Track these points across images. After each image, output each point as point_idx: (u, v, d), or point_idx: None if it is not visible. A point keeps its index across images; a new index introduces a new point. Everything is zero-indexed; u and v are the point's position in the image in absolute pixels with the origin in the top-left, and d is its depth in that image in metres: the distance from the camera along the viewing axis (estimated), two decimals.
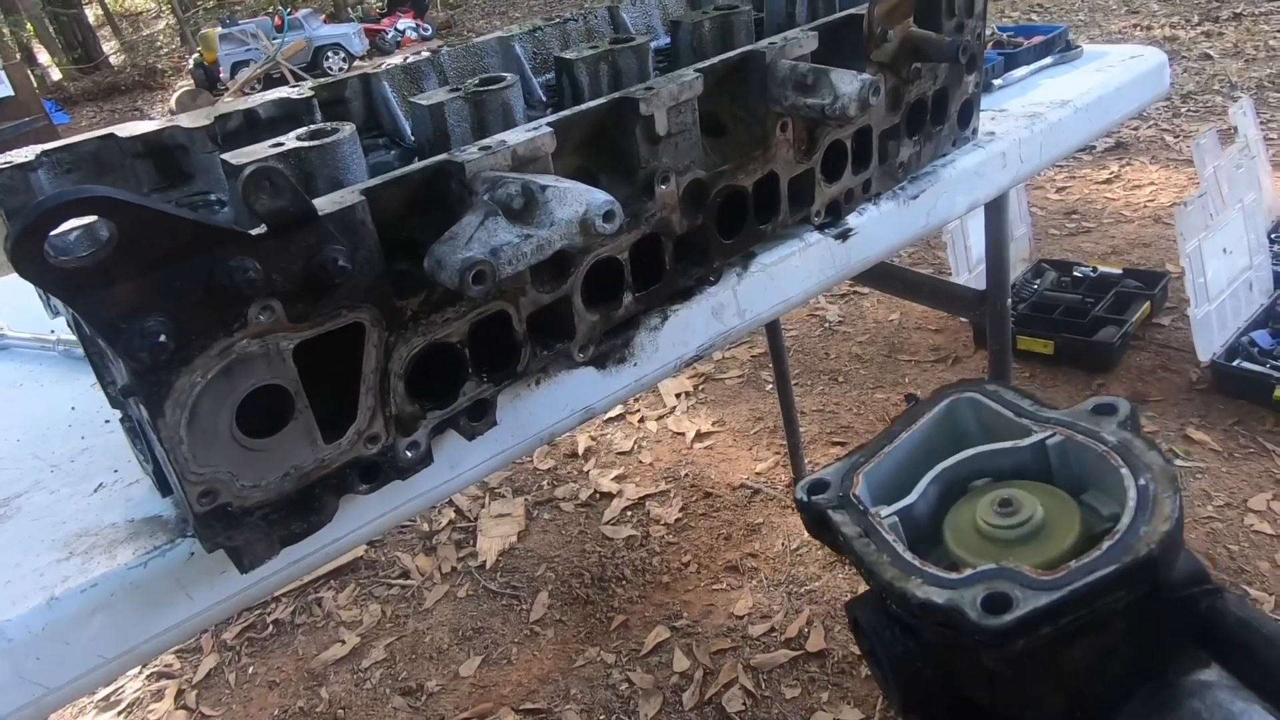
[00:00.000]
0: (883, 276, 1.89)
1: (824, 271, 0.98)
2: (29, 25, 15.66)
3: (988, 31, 1.47)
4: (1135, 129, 4.47)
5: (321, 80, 0.88)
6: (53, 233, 0.45)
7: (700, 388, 3.01)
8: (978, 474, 0.66)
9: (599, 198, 0.58)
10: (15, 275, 0.45)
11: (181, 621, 0.64)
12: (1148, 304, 2.77)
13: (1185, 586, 0.57)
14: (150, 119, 0.79)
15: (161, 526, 0.66)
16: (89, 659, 0.61)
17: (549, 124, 0.68)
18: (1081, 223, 3.63)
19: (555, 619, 2.15)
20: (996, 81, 1.42)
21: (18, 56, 11.65)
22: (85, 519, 0.69)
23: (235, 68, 11.39)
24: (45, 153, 0.72)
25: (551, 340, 0.75)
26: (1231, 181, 2.59)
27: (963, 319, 2.97)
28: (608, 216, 0.58)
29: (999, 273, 1.60)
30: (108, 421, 0.83)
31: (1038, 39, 1.52)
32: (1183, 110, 4.64)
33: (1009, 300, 1.62)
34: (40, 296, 0.76)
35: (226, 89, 11.07)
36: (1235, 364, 2.41)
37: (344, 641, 2.18)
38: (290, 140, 0.66)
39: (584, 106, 0.73)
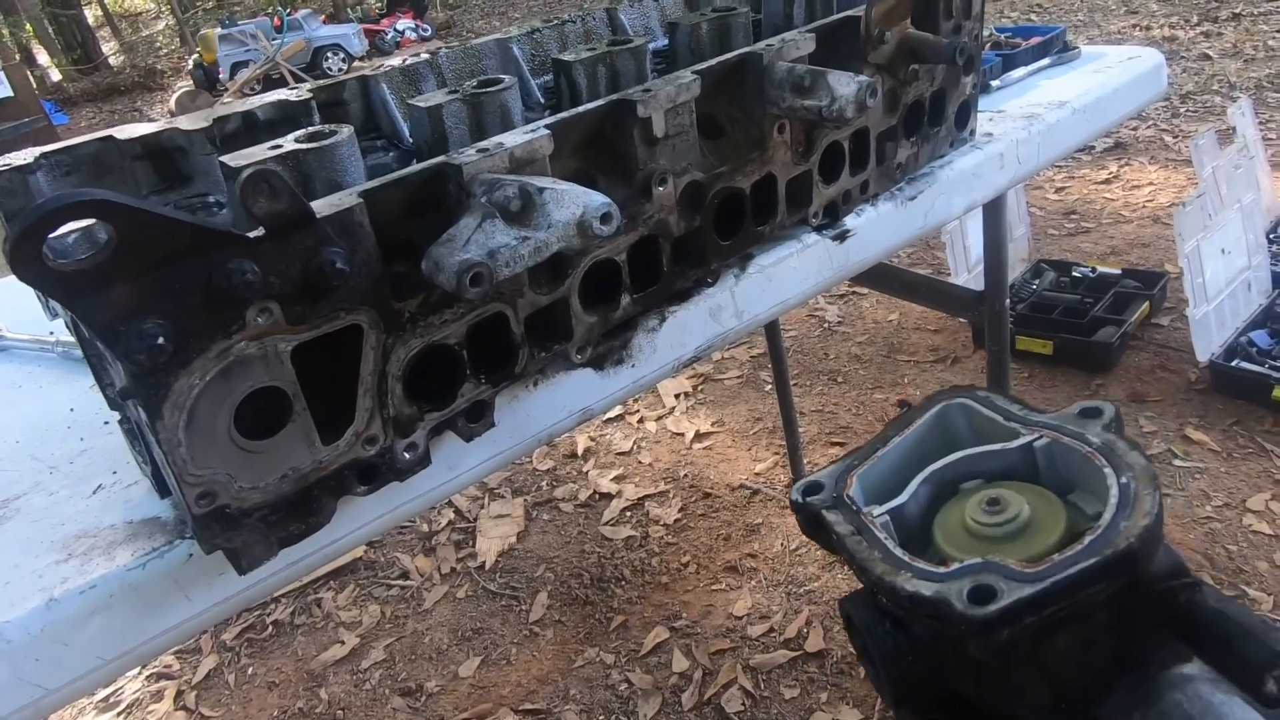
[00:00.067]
0: (881, 277, 1.89)
1: (822, 273, 0.98)
2: (28, 26, 15.66)
3: (985, 33, 1.48)
4: (1134, 129, 4.47)
5: (320, 82, 0.88)
6: (51, 235, 0.45)
7: (699, 388, 3.01)
8: (968, 475, 0.68)
9: (596, 200, 0.58)
10: (14, 277, 0.45)
11: (180, 623, 0.64)
12: (1146, 304, 2.77)
13: (1164, 580, 0.59)
14: (150, 120, 0.79)
15: (160, 528, 0.67)
16: (88, 660, 0.61)
17: (546, 126, 0.68)
18: (1080, 223, 3.64)
19: (554, 619, 2.15)
20: (994, 83, 1.42)
21: (17, 57, 11.65)
22: (84, 520, 0.69)
23: (235, 68, 11.39)
24: (44, 155, 0.72)
25: (549, 342, 0.75)
26: (1230, 182, 2.59)
27: (962, 319, 2.97)
28: (605, 218, 0.58)
29: (997, 273, 1.60)
30: (106, 423, 0.84)
31: (1035, 40, 1.52)
32: (1182, 110, 4.64)
33: (1007, 300, 1.62)
34: (39, 298, 0.76)
35: (226, 90, 11.08)
36: (1234, 364, 2.41)
37: (343, 642, 2.18)
38: (288, 142, 0.66)
39: (582, 109, 0.73)
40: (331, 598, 2.34)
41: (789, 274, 0.94)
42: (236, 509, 0.58)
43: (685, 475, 2.58)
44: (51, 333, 1.03)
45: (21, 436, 0.85)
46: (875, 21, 0.92)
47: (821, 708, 1.80)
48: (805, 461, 2.45)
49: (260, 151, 0.65)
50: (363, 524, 0.70)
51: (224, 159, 0.64)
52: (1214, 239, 2.47)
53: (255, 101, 0.81)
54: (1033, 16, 7.33)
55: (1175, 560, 0.60)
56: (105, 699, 2.16)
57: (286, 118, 0.81)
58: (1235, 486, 2.15)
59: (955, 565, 0.56)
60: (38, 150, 0.72)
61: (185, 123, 0.77)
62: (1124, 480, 0.58)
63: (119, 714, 2.12)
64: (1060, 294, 2.94)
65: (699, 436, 2.75)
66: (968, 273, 2.89)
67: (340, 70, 11.62)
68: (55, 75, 15.50)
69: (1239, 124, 2.80)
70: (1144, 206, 3.68)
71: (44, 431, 0.85)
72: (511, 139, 0.66)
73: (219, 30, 11.66)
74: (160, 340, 0.50)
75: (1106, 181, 3.98)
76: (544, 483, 2.67)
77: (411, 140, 0.84)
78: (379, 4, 15.27)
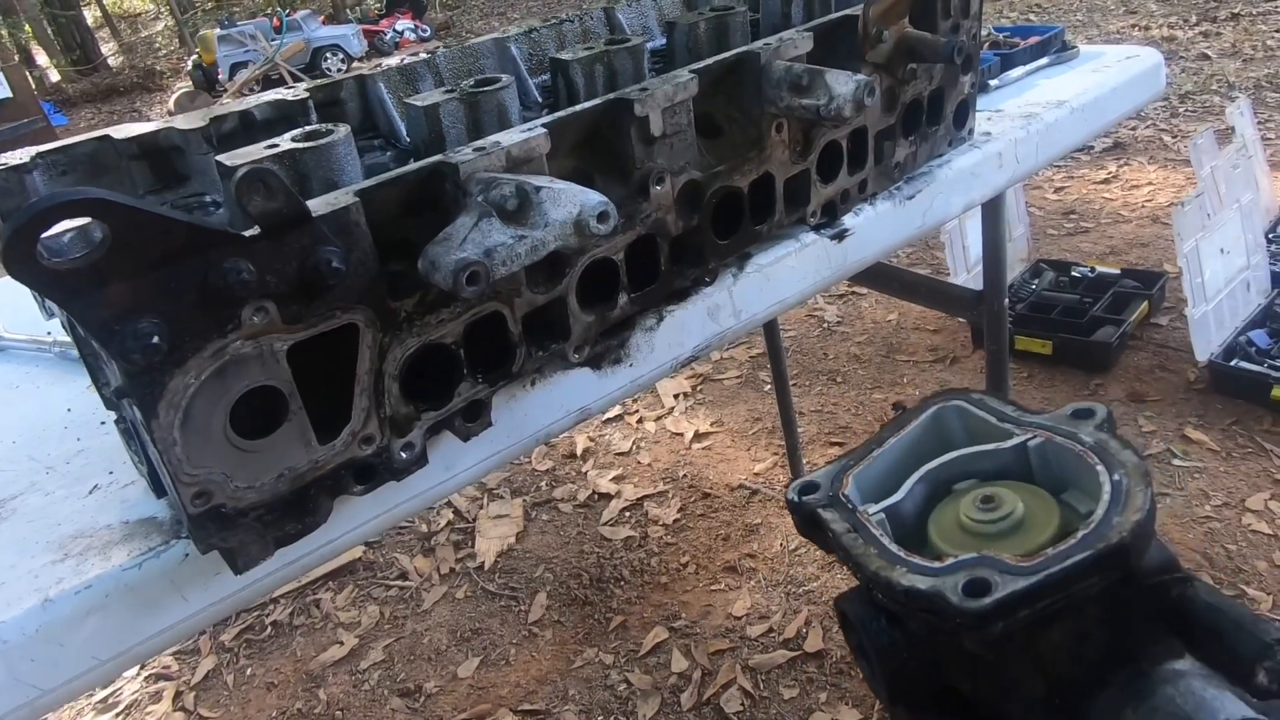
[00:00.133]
0: (880, 277, 1.89)
1: (820, 272, 0.98)
2: (27, 27, 15.67)
3: (984, 32, 1.48)
4: (1133, 129, 4.47)
5: (317, 81, 0.88)
6: (46, 234, 0.45)
7: (699, 388, 3.01)
8: (962, 475, 0.68)
9: (593, 199, 0.58)
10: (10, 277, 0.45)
11: (176, 623, 0.64)
12: (1146, 304, 2.77)
13: (1156, 574, 0.59)
14: (149, 120, 0.79)
15: (156, 528, 0.66)
16: (83, 660, 0.61)
17: (544, 125, 0.68)
18: (1079, 223, 3.64)
19: (554, 620, 2.15)
20: (993, 82, 1.42)
21: (16, 58, 11.66)
22: (80, 521, 0.69)
23: (234, 69, 11.39)
24: (40, 154, 0.72)
25: (547, 341, 0.75)
26: (1229, 181, 2.59)
27: (961, 319, 2.97)
28: (602, 217, 0.58)
29: (996, 273, 1.60)
30: (103, 423, 0.83)
31: (1034, 39, 1.52)
32: (1180, 110, 4.64)
33: (1006, 300, 1.62)
34: (35, 298, 0.76)
35: (225, 90, 11.08)
36: (1233, 364, 2.41)
37: (342, 643, 2.18)
38: (285, 141, 0.66)
39: (579, 107, 0.73)
40: (330, 598, 2.34)
41: (787, 273, 0.94)
42: (232, 509, 0.57)
43: (684, 475, 2.58)
44: (49, 333, 1.03)
45: (18, 437, 0.85)
46: (873, 20, 0.92)
47: (820, 708, 1.80)
48: (804, 461, 2.45)
49: (257, 150, 0.64)
50: (360, 524, 0.70)
51: (220, 158, 0.64)
52: (1213, 239, 2.47)
53: (252, 101, 0.81)
54: (1031, 16, 7.34)
55: (1167, 555, 0.60)
56: (104, 700, 2.16)
57: (283, 117, 0.81)
58: (1234, 486, 2.15)
59: (950, 560, 0.56)
60: (34, 149, 0.72)
61: (182, 122, 0.77)
62: (1116, 477, 0.58)
63: (118, 715, 2.11)
64: (1059, 294, 2.94)
65: (698, 436, 2.75)
66: (967, 272, 2.89)
67: (339, 71, 11.62)
68: (54, 76, 15.50)
69: (1238, 124, 2.80)
70: (1143, 206, 3.68)
71: (41, 432, 0.85)
72: (508, 138, 0.65)
73: (218, 31, 11.66)
74: (155, 339, 0.50)
75: (1105, 181, 3.98)
76: (543, 483, 2.67)
77: (409, 139, 0.84)
78: (378, 5, 15.26)
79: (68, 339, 0.99)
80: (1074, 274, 3.00)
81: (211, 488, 0.56)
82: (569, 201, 0.58)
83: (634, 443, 2.78)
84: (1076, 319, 2.71)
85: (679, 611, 2.10)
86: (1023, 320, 2.78)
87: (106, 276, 0.47)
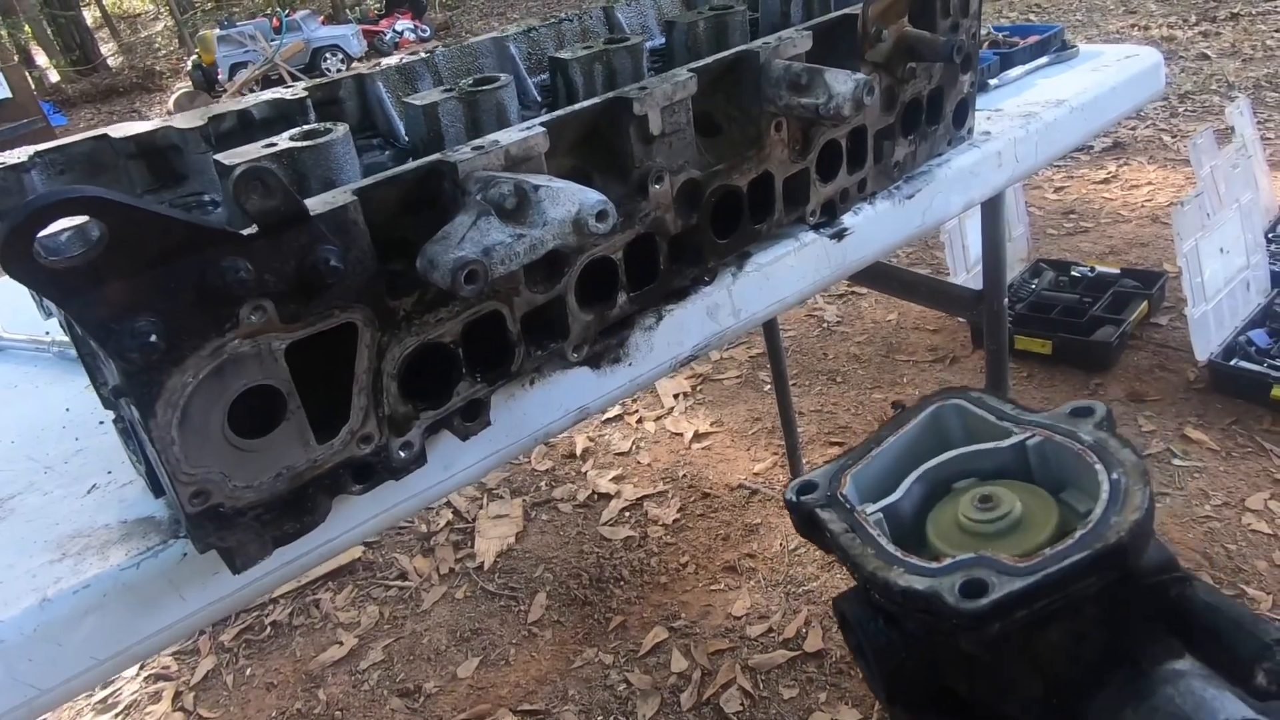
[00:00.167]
0: (880, 276, 1.89)
1: (820, 271, 0.98)
2: (27, 27, 15.66)
3: (983, 31, 1.48)
4: (1133, 129, 4.47)
5: (316, 80, 0.88)
6: (44, 233, 0.45)
7: (698, 388, 3.01)
8: (961, 474, 0.68)
9: (592, 197, 0.58)
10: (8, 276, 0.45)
11: (174, 622, 0.64)
12: (1145, 304, 2.77)
13: (1155, 574, 0.59)
14: (147, 120, 0.79)
15: (154, 527, 0.66)
16: (81, 660, 0.61)
17: (542, 124, 0.68)
18: (1079, 222, 3.64)
19: (553, 620, 2.15)
20: (992, 81, 1.42)
21: (15, 58, 11.65)
22: (78, 520, 0.69)
23: (233, 69, 11.38)
24: (38, 153, 0.72)
25: (546, 340, 0.75)
26: (1228, 181, 2.59)
27: (960, 319, 2.97)
28: (601, 216, 0.58)
29: (995, 272, 1.60)
30: (101, 423, 0.83)
31: (1033, 39, 1.52)
32: (1180, 110, 4.64)
33: (1006, 300, 1.62)
34: (33, 298, 0.76)
35: (225, 91, 11.07)
36: (1233, 363, 2.41)
37: (342, 643, 2.18)
38: (283, 140, 0.66)
39: (578, 106, 0.73)
40: (330, 598, 2.34)
41: (786, 272, 0.94)
42: (230, 508, 0.57)
43: (684, 475, 2.58)
44: (47, 333, 1.03)
45: (17, 436, 0.85)
46: (872, 19, 0.92)
47: (820, 708, 1.80)
48: (804, 461, 2.45)
49: (255, 149, 0.64)
50: (358, 523, 0.70)
51: (218, 157, 0.64)
52: (1212, 238, 2.47)
53: (250, 100, 0.81)
54: (1031, 16, 7.34)
55: (1166, 555, 0.60)
56: (103, 700, 2.16)
57: (282, 116, 0.81)
58: (1234, 486, 2.15)
59: (948, 560, 0.56)
60: (32, 149, 0.72)
61: (180, 121, 0.77)
62: (1115, 476, 0.58)
63: (117, 715, 2.11)
64: (1059, 293, 2.94)
65: (698, 437, 2.74)
66: (966, 272, 2.89)
67: (339, 71, 11.61)
68: (54, 76, 15.50)
69: (1237, 123, 2.80)
70: (1142, 206, 3.68)
71: (39, 431, 0.85)
72: (507, 136, 0.65)
73: (218, 31, 11.66)
74: (153, 338, 0.50)
75: (1105, 181, 3.98)
76: (542, 483, 2.66)
77: (407, 138, 0.84)
78: (377, 5, 15.26)
79: (66, 338, 0.98)
80: (1074, 274, 3.00)
81: (209, 487, 0.56)
82: (568, 200, 0.58)
83: (634, 443, 2.78)
84: (1076, 319, 2.71)
85: (679, 611, 2.10)
86: (1022, 320, 2.78)
87: (104, 275, 0.47)
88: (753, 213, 0.89)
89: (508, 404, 0.75)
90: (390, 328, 0.62)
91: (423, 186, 0.63)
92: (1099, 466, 0.59)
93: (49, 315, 0.81)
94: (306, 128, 0.68)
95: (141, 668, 2.22)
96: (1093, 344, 2.63)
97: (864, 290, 3.34)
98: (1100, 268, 3.00)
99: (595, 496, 2.56)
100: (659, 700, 1.88)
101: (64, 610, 0.60)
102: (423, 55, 0.93)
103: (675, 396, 2.97)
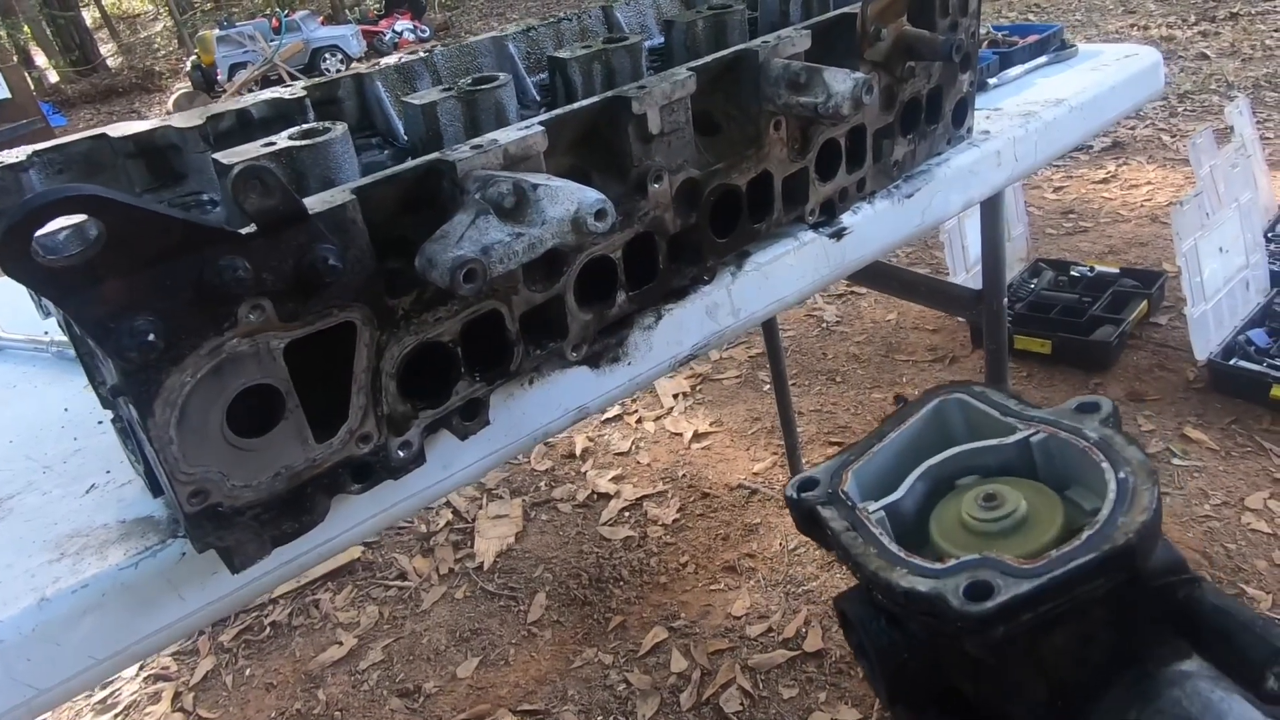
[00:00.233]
0: (879, 276, 1.89)
1: (819, 271, 0.98)
2: (26, 27, 15.65)
3: (982, 30, 1.47)
4: (1132, 128, 4.47)
5: (315, 80, 0.88)
6: (42, 232, 0.44)
7: (698, 388, 3.01)
8: (964, 471, 0.67)
9: (591, 196, 0.58)
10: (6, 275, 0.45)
11: (173, 622, 0.64)
12: (1145, 303, 2.77)
13: (1163, 575, 0.58)
14: (147, 120, 0.79)
15: (153, 527, 0.66)
16: (80, 660, 0.61)
17: (541, 123, 0.68)
18: (1079, 222, 3.64)
19: (553, 620, 2.15)
20: (991, 80, 1.42)
21: (15, 59, 11.65)
22: (77, 520, 0.69)
23: (233, 70, 11.38)
24: (37, 153, 0.72)
25: (545, 339, 0.75)
26: (1228, 181, 2.59)
27: (960, 319, 2.97)
28: (599, 215, 0.58)
29: (995, 272, 1.60)
30: (100, 423, 0.83)
31: (1033, 38, 1.52)
32: (1179, 110, 4.64)
33: (1005, 300, 1.62)
34: (32, 297, 0.76)
35: (224, 91, 11.07)
36: (1232, 363, 2.41)
37: (341, 643, 2.17)
38: (282, 140, 0.66)
39: (576, 105, 0.73)
40: (329, 598, 2.34)
41: (786, 272, 0.94)
42: (229, 507, 0.57)
43: (684, 475, 2.58)
44: (46, 332, 1.02)
45: (15, 436, 0.84)
46: (871, 18, 0.92)
47: (820, 707, 1.80)
48: (804, 461, 2.45)
49: (253, 148, 0.64)
50: (357, 523, 0.70)
51: (217, 156, 0.64)
52: (1212, 238, 2.47)
53: (249, 99, 0.81)
54: (1031, 16, 7.34)
55: (1174, 556, 0.59)
56: (103, 700, 2.15)
57: (281, 116, 0.81)
58: (1233, 485, 2.15)
59: (951, 561, 0.55)
60: (30, 148, 0.72)
61: (179, 120, 0.77)
62: (1122, 475, 0.57)
63: (116, 715, 2.11)
64: (1058, 293, 2.94)
65: (697, 436, 2.74)
66: (966, 272, 2.89)
67: (338, 71, 11.59)
68: (53, 77, 15.49)
69: (1236, 123, 2.80)
70: (1142, 205, 3.68)
71: (38, 431, 0.85)
72: (506, 135, 0.65)
73: (217, 32, 11.66)
74: (151, 337, 0.50)
75: (1104, 181, 3.98)
76: (542, 483, 2.66)
77: (406, 138, 0.84)
78: (377, 5, 15.26)
79: (64, 338, 0.98)
80: (1073, 273, 2.99)
81: (208, 486, 0.56)
82: (566, 199, 0.58)
83: (633, 442, 2.78)
84: (1075, 318, 2.71)
85: (678, 611, 2.10)
86: (1022, 319, 2.78)
87: (102, 274, 0.47)
88: (752, 212, 0.89)
89: (507, 403, 0.75)
90: (389, 327, 0.62)
91: (421, 185, 0.63)
92: (1105, 464, 0.59)
93: (47, 315, 0.81)
94: (305, 127, 0.68)
95: (141, 668, 2.22)
96: (1092, 343, 2.63)
97: (863, 290, 3.34)
98: (1099, 267, 3.00)
99: (595, 496, 2.56)
100: (659, 700, 1.88)
101: (62, 610, 0.60)
102: (421, 55, 0.93)
103: (675, 396, 2.97)
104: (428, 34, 13.45)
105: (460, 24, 14.89)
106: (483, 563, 2.36)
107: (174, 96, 11.63)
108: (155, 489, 0.69)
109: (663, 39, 1.01)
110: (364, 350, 0.61)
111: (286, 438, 0.58)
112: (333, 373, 0.61)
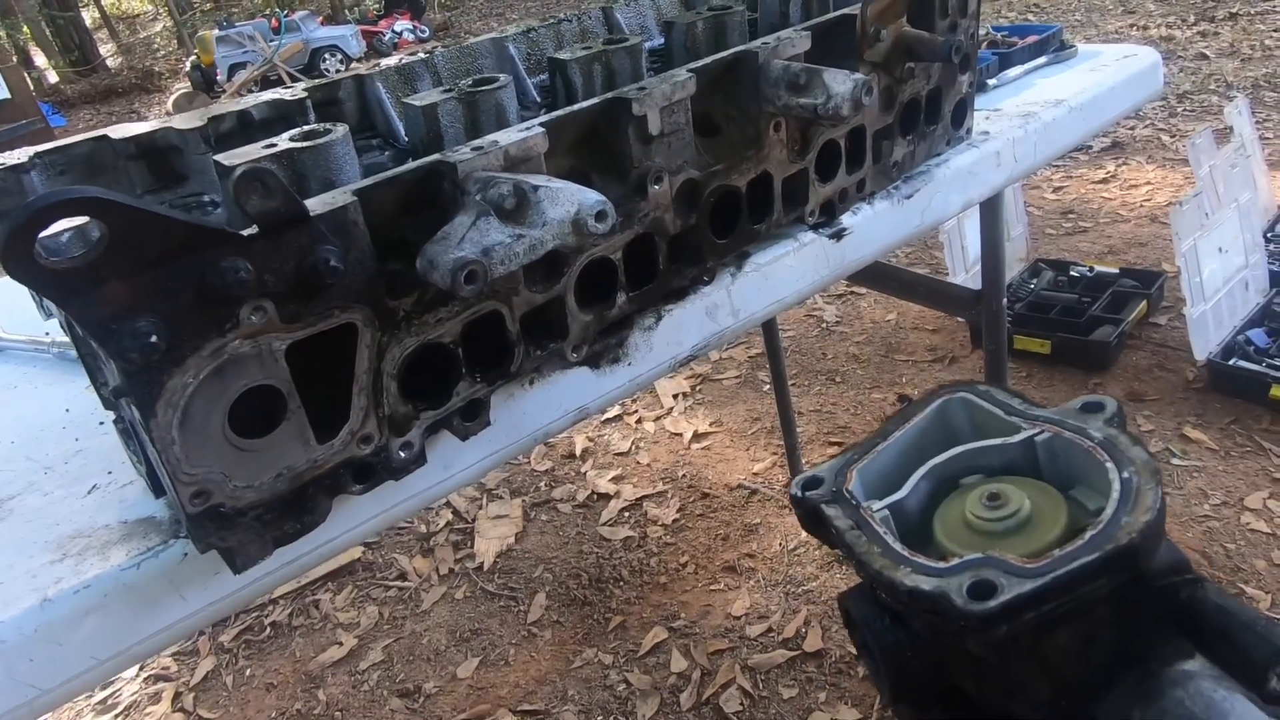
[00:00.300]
0: (879, 276, 1.89)
1: (818, 271, 0.98)
2: (26, 28, 15.65)
3: (982, 31, 1.48)
4: (1131, 129, 4.48)
5: (315, 81, 0.88)
6: (44, 234, 0.45)
7: (698, 388, 3.01)
8: (968, 471, 0.67)
9: (591, 197, 0.58)
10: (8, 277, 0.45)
11: (175, 622, 0.64)
12: (1144, 303, 2.77)
13: (1166, 575, 0.58)
14: (147, 121, 0.79)
15: (155, 528, 0.66)
16: (82, 660, 0.61)
17: (541, 124, 0.68)
18: (1078, 222, 3.64)
19: (553, 620, 2.15)
20: (991, 81, 1.42)
21: (14, 59, 11.65)
22: (79, 520, 0.69)
23: (232, 70, 11.38)
24: (38, 154, 0.72)
25: (545, 340, 0.75)
26: (1227, 181, 2.59)
27: (959, 319, 2.97)
28: (600, 216, 0.58)
29: (994, 272, 1.60)
30: (102, 423, 0.83)
31: (1032, 39, 1.52)
32: (1179, 110, 4.65)
33: (1004, 300, 1.62)
34: (34, 298, 0.76)
35: (223, 91, 11.07)
36: (1231, 363, 2.41)
37: (341, 643, 2.18)
38: (283, 141, 0.66)
39: (577, 107, 0.73)
40: (329, 599, 2.34)
41: (785, 272, 0.94)
42: (231, 508, 0.57)
43: (683, 475, 2.58)
44: (47, 333, 1.03)
45: (17, 437, 0.85)
46: (871, 19, 0.92)
47: (820, 707, 1.80)
48: (803, 461, 2.45)
49: (255, 150, 0.64)
50: (358, 523, 0.70)
51: (218, 158, 0.64)
52: (1211, 238, 2.48)
53: (250, 101, 0.81)
54: (1030, 16, 7.34)
55: (1177, 556, 0.59)
56: (103, 701, 2.16)
57: (281, 117, 0.81)
58: (1233, 485, 2.15)
59: (955, 560, 0.55)
60: (31, 149, 0.72)
61: (180, 122, 0.77)
62: (1126, 475, 0.57)
63: (117, 716, 2.11)
64: (1058, 293, 2.94)
65: (697, 437, 2.75)
66: (965, 272, 2.90)
67: (338, 71, 11.60)
68: (53, 77, 15.49)
69: (1236, 123, 2.80)
70: (1141, 206, 3.68)
71: (39, 432, 0.85)
72: (506, 137, 0.65)
73: (216, 32, 11.66)
74: (153, 338, 0.50)
75: (1104, 181, 3.99)
76: (542, 483, 2.66)
77: (407, 139, 0.84)
78: (376, 5, 15.26)
79: (66, 339, 0.98)
80: (1072, 273, 3.00)
81: (210, 487, 0.56)
82: (567, 200, 0.58)
83: (633, 443, 2.78)
84: (1075, 318, 2.71)
85: (678, 611, 2.10)
86: (1021, 320, 2.79)
87: (104, 275, 0.47)
88: (751, 213, 0.90)
89: (507, 404, 0.75)
90: (390, 328, 0.62)
91: (422, 187, 0.63)
92: (1109, 464, 0.59)
93: (49, 316, 0.81)
94: (306, 128, 0.68)
95: (141, 668, 2.22)
96: (1091, 344, 2.64)
97: (863, 290, 3.34)
98: (1099, 267, 3.00)
99: (595, 497, 2.56)
100: (658, 700, 1.88)
101: (65, 610, 0.60)
102: (422, 56, 0.93)
103: (674, 396, 2.98)
104: (427, 34, 13.45)
105: (460, 24, 14.90)
106: (483, 563, 2.36)
107: (173, 97, 11.63)
108: (157, 490, 0.69)
109: (663, 40, 1.01)
110: (365, 351, 0.61)
111: (288, 439, 0.59)
112: (334, 374, 0.61)
